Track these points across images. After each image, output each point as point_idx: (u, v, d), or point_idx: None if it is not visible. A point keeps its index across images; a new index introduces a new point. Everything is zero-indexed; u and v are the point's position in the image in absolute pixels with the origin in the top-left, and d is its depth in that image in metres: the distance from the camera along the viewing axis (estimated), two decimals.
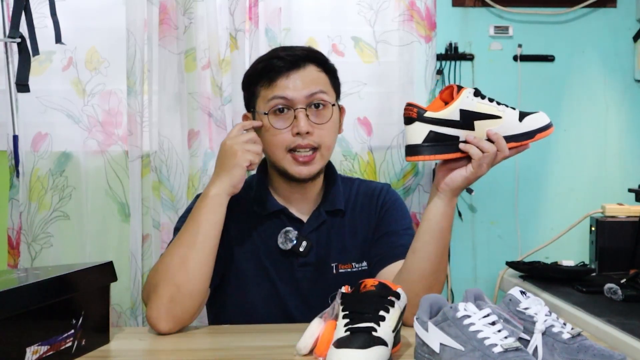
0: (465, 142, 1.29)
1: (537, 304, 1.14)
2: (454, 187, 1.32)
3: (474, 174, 1.30)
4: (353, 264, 1.52)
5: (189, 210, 1.52)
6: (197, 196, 1.56)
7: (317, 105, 1.47)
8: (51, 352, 1.15)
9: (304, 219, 1.53)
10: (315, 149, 1.47)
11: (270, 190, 1.55)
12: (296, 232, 1.50)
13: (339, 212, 1.55)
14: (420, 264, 1.35)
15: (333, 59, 2.31)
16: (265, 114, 1.46)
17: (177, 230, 1.50)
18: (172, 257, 1.38)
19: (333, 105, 1.49)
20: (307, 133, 1.44)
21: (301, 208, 1.54)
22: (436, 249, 1.35)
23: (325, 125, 1.47)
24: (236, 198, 1.52)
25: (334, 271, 1.51)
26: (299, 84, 1.45)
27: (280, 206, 1.52)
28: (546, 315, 1.12)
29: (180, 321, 1.37)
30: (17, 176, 2.23)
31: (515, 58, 2.52)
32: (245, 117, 1.56)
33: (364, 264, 1.53)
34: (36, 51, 2.04)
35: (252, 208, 1.52)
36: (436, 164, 1.33)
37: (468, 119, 1.29)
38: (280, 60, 1.47)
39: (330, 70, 1.53)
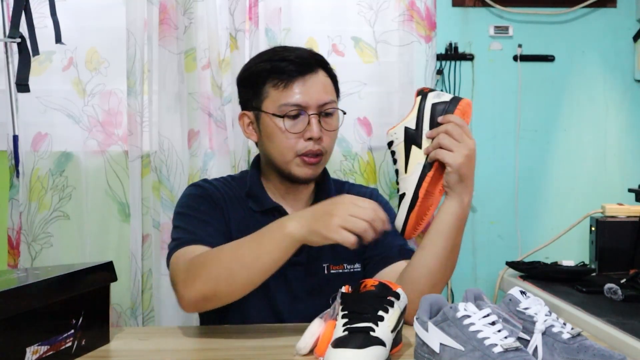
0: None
1: (537, 304, 1.14)
2: (448, 183, 1.36)
3: (449, 165, 1.34)
4: (345, 265, 1.53)
5: (188, 207, 1.50)
6: (193, 185, 1.56)
7: (327, 112, 1.48)
8: (51, 352, 1.15)
9: None
10: (321, 154, 1.49)
11: (264, 187, 1.55)
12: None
13: None
14: (427, 261, 1.38)
15: (333, 59, 2.35)
16: (280, 117, 1.46)
17: (177, 228, 1.47)
18: (221, 266, 1.31)
19: (339, 111, 1.52)
20: (319, 139, 1.46)
21: (294, 207, 1.55)
22: (444, 247, 1.39)
23: (332, 132, 1.50)
24: (231, 192, 1.52)
25: (325, 272, 1.51)
26: (313, 90, 1.47)
27: (275, 203, 1.53)
28: (546, 315, 1.12)
29: (203, 310, 1.36)
30: (17, 176, 2.23)
31: (515, 58, 2.52)
32: (243, 116, 1.55)
33: (357, 265, 1.54)
34: (36, 51, 2.04)
35: (247, 204, 1.53)
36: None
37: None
38: (290, 63, 1.47)
39: (333, 76, 1.55)
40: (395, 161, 1.40)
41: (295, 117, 1.46)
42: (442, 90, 2.44)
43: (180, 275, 1.35)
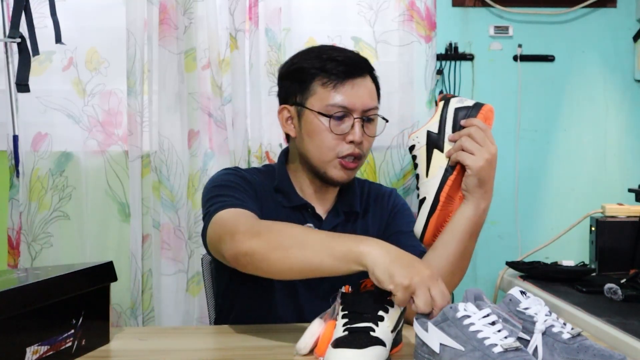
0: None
1: (537, 304, 1.14)
2: (466, 187, 1.36)
3: (469, 167, 1.34)
4: None
5: (228, 181, 1.47)
6: (227, 169, 1.54)
7: (369, 118, 1.48)
8: (51, 352, 1.15)
9: (323, 216, 1.54)
10: (360, 157, 1.49)
11: (293, 183, 1.55)
12: (315, 229, 1.50)
13: (354, 213, 1.57)
14: (437, 263, 1.37)
15: None
16: (327, 116, 1.45)
17: (219, 196, 1.43)
18: (283, 239, 1.26)
19: (380, 118, 1.52)
20: (360, 143, 1.46)
21: (320, 205, 1.55)
22: (455, 250, 1.38)
23: (372, 138, 1.50)
24: (261, 183, 1.51)
25: None
26: (360, 94, 1.46)
27: (304, 201, 1.53)
28: (546, 315, 1.12)
29: (239, 267, 1.31)
30: (17, 176, 2.23)
31: (515, 58, 2.52)
32: (283, 110, 1.53)
33: None
34: (36, 51, 2.04)
35: (276, 198, 1.53)
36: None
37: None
38: (340, 64, 1.47)
39: (377, 82, 1.55)
40: (416, 166, 1.39)
41: (340, 118, 1.46)
42: (442, 90, 2.46)
43: (242, 223, 1.30)
